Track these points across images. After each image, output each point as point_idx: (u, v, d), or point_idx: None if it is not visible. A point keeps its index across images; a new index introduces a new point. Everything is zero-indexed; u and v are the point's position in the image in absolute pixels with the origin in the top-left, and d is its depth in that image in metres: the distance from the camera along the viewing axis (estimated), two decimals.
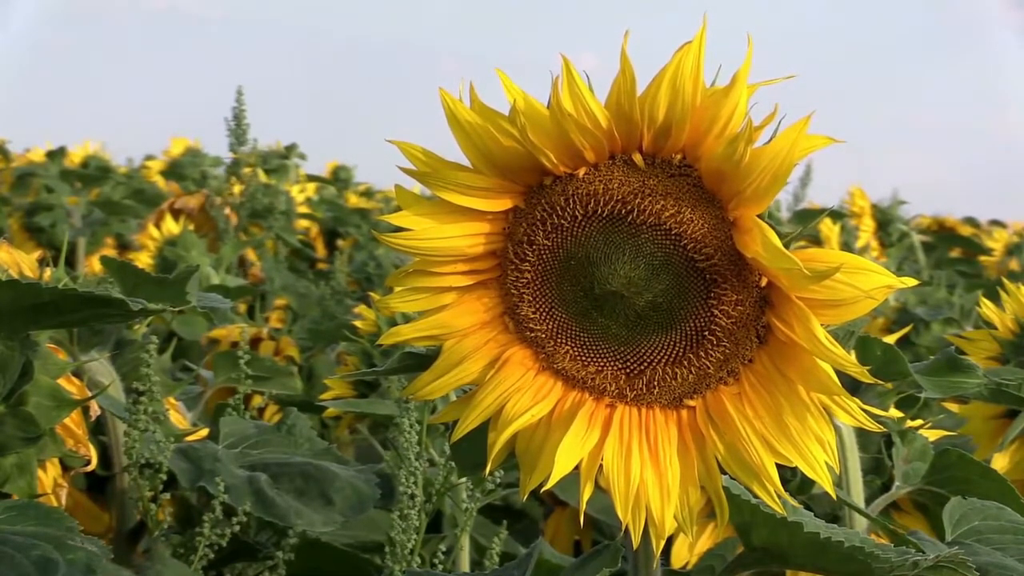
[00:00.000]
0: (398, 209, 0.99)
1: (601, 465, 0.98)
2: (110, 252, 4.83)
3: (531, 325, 1.00)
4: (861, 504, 1.51)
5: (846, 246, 4.78)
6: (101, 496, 1.67)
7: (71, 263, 4.72)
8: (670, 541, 1.65)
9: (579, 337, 1.00)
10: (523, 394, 1.00)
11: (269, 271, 4.37)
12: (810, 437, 0.96)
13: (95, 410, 1.52)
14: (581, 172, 0.96)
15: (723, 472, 0.98)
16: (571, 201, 0.97)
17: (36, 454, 1.36)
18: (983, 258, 5.84)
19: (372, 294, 2.93)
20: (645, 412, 1.00)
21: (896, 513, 1.64)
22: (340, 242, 5.54)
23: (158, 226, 3.85)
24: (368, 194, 7.30)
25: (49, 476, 1.42)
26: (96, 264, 4.55)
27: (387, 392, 2.39)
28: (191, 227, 3.93)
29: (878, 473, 1.64)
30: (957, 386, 1.48)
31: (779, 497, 0.97)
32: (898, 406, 1.61)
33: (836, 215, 4.98)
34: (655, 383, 0.99)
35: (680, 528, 0.98)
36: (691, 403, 0.99)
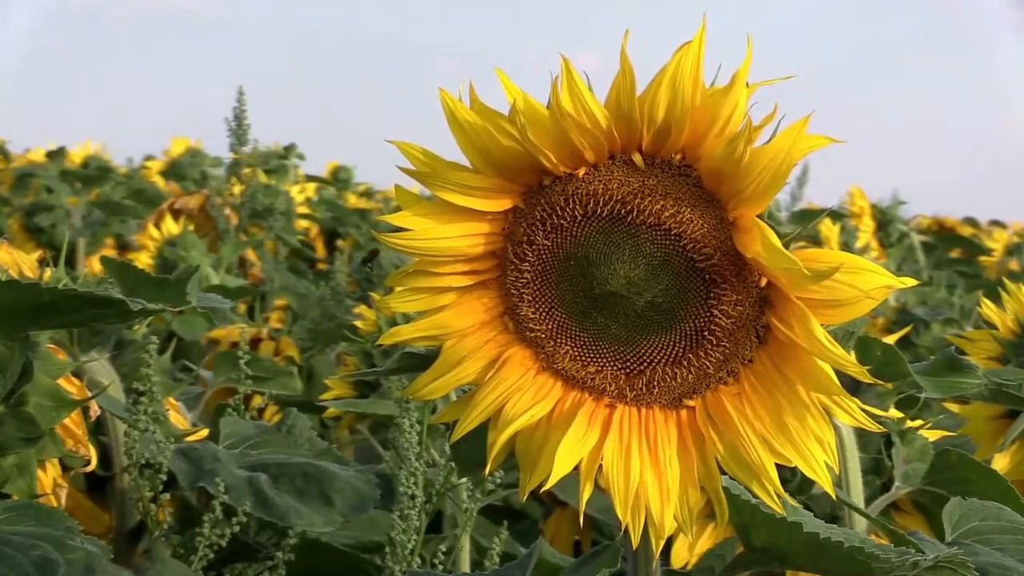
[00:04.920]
0: (398, 209, 0.99)
1: (601, 465, 0.98)
2: (110, 252, 4.83)
3: (531, 325, 1.00)
4: (861, 504, 1.51)
5: (846, 246, 4.77)
6: (101, 496, 1.66)
7: (71, 263, 4.72)
8: (670, 541, 1.65)
9: (579, 337, 1.00)
10: (523, 394, 1.00)
11: (269, 271, 4.37)
12: (810, 437, 0.96)
13: (95, 410, 1.52)
14: (581, 172, 0.96)
15: (723, 472, 0.98)
16: (571, 201, 0.97)
17: (36, 454, 1.35)
18: (983, 258, 5.83)
19: (372, 294, 2.92)
20: (645, 412, 1.00)
21: (896, 513, 1.64)
22: (340, 242, 5.54)
23: (158, 226, 3.85)
24: (368, 194, 7.30)
25: (49, 476, 1.42)
26: (96, 264, 4.55)
27: (387, 392, 2.39)
28: (191, 227, 3.93)
29: (878, 473, 1.64)
30: (957, 386, 1.47)
31: (779, 497, 0.96)
32: (898, 406, 1.61)
33: (836, 215, 4.98)
34: (655, 383, 0.99)
35: (680, 528, 0.98)
36: (691, 403, 0.99)
